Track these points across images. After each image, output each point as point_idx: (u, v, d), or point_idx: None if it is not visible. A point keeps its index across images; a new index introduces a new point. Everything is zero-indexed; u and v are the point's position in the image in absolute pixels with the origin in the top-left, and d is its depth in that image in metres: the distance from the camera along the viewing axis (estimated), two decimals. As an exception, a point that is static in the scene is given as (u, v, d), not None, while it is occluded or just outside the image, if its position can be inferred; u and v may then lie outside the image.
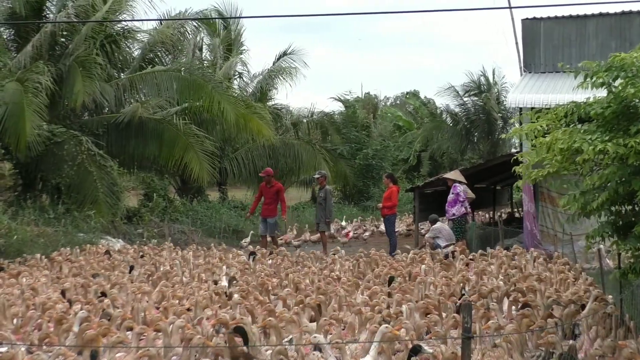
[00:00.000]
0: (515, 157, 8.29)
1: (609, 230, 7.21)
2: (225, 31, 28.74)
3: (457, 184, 15.99)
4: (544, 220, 16.04)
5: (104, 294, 9.11)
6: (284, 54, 28.86)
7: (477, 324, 7.41)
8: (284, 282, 10.12)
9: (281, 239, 18.47)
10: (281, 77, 28.59)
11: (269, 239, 16.07)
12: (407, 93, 47.84)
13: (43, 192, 18.83)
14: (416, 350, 6.18)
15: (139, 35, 22.05)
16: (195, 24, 25.94)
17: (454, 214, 15.86)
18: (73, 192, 17.84)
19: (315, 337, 6.44)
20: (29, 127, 16.43)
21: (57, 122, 18.53)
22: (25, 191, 18.45)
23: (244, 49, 29.50)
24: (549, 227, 15.94)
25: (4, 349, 6.38)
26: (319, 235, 17.25)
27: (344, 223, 23.11)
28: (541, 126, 7.50)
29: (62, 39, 20.16)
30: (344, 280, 10.34)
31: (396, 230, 17.91)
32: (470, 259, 12.33)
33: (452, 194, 15.95)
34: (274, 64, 28.86)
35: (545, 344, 6.61)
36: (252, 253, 13.50)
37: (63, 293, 9.27)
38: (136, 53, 22.59)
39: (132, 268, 11.73)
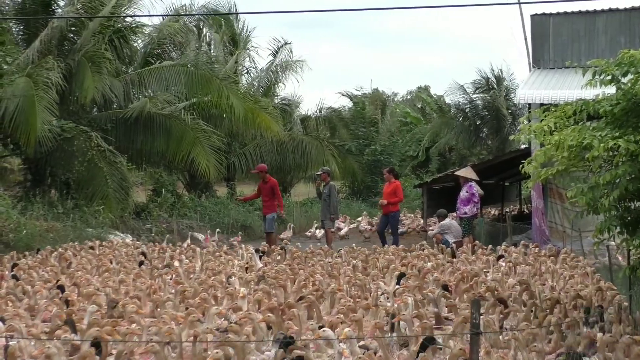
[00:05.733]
0: (522, 163, 8.20)
1: (616, 224, 7.19)
2: (231, 27, 28.71)
3: (473, 184, 15.89)
4: (553, 217, 16.01)
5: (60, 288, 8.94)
6: (289, 49, 28.88)
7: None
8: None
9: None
10: (288, 72, 28.56)
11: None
12: (419, 88, 47.79)
13: (52, 187, 18.89)
14: (424, 345, 6.16)
15: (145, 29, 22.11)
16: (202, 18, 25.96)
17: (465, 213, 15.73)
18: (82, 187, 17.91)
19: (324, 330, 6.45)
20: (39, 122, 16.45)
21: (67, 118, 18.56)
22: (34, 186, 18.54)
23: (253, 46, 29.52)
24: (557, 224, 15.91)
25: (13, 342, 6.43)
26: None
27: (361, 218, 22.90)
28: (548, 126, 7.47)
29: (71, 35, 20.19)
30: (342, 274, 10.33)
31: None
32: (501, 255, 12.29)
33: (467, 192, 15.73)
34: (279, 59, 28.81)
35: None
36: (258, 250, 13.47)
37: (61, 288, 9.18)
38: (143, 48, 22.62)
39: (141, 263, 11.75)
